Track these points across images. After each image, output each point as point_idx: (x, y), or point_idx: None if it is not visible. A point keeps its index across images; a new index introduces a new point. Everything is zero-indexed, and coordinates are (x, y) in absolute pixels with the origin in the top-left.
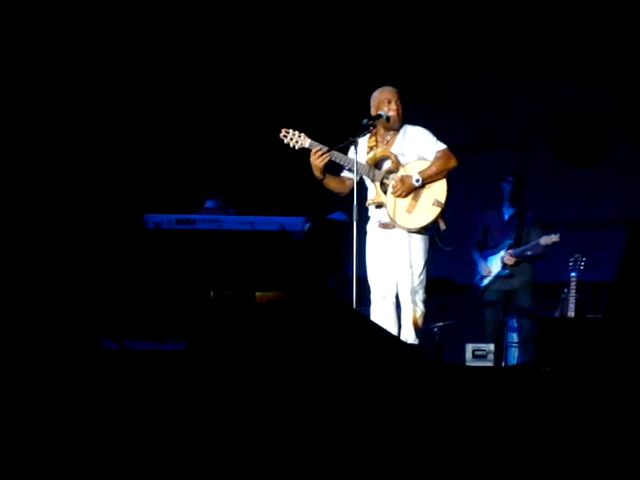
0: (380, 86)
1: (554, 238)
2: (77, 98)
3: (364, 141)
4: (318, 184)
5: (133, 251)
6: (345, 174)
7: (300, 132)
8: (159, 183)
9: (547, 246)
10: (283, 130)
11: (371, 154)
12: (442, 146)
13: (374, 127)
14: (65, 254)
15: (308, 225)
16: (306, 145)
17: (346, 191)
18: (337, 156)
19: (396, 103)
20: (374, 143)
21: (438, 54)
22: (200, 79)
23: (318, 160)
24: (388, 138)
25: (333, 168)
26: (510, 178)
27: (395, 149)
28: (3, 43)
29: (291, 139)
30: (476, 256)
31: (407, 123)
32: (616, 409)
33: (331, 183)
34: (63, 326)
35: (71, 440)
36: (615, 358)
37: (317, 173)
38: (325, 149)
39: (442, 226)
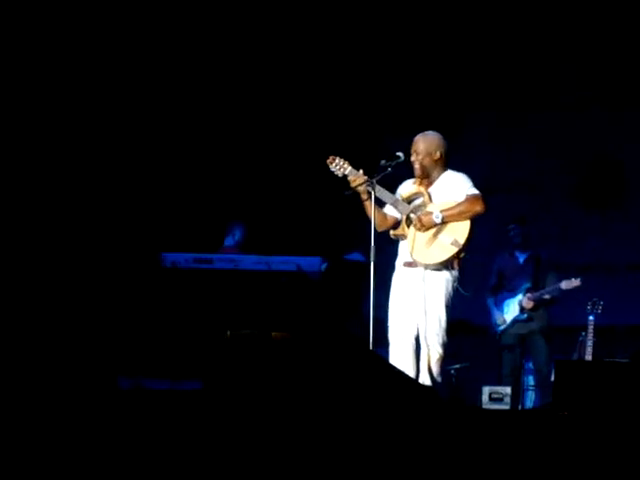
0: (399, 128)
1: (575, 282)
2: (93, 130)
3: (411, 180)
4: (335, 224)
5: (150, 290)
6: (387, 209)
7: (345, 160)
8: (178, 221)
9: (567, 290)
10: (330, 157)
11: (408, 190)
12: (474, 191)
13: (392, 168)
14: (83, 292)
15: (325, 265)
16: (347, 172)
17: (385, 226)
18: (371, 185)
19: (419, 152)
20: (419, 182)
21: (454, 94)
22: (220, 119)
23: (353, 183)
24: (428, 182)
25: (377, 202)
26: (512, 226)
27: (432, 189)
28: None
29: (336, 166)
30: (490, 303)
31: (452, 169)
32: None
33: (374, 212)
34: (80, 364)
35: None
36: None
37: (361, 196)
38: (363, 178)
39: (456, 267)
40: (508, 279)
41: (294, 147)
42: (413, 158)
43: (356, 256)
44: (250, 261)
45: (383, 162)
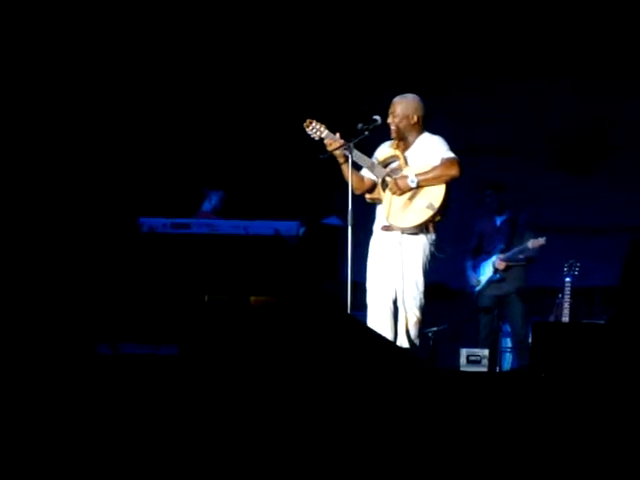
0: (382, 90)
1: (541, 241)
2: (70, 100)
3: (388, 142)
4: (312, 189)
5: (128, 255)
6: (364, 172)
7: (322, 124)
8: (155, 187)
9: (535, 249)
10: (307, 120)
11: (385, 153)
12: (450, 154)
13: (369, 132)
14: (59, 258)
15: (303, 230)
16: (323, 136)
17: (362, 189)
18: (348, 149)
19: (396, 114)
20: (395, 146)
21: (434, 58)
22: (195, 84)
23: (329, 147)
24: (405, 145)
25: (354, 165)
26: (488, 192)
27: (408, 153)
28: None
29: (312, 129)
30: (467, 265)
31: (429, 132)
32: (611, 415)
33: (351, 175)
34: (58, 330)
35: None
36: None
37: (338, 159)
38: (339, 142)
39: (431, 230)
40: (486, 242)
41: (271, 110)
42: (390, 120)
43: (333, 220)
44: (227, 226)
45: (360, 125)
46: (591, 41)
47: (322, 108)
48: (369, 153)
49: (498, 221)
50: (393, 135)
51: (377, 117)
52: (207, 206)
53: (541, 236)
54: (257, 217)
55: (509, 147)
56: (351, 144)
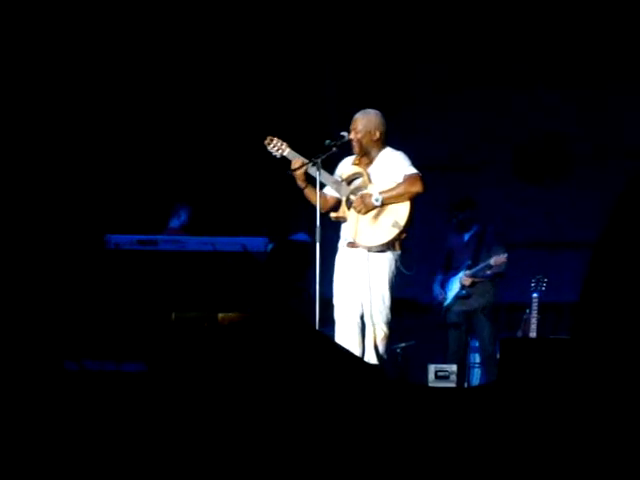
0: (347, 106)
1: (502, 258)
2: (33, 115)
3: (350, 158)
4: (280, 205)
5: (94, 272)
6: (326, 191)
7: (283, 141)
8: (122, 203)
9: (499, 266)
10: (268, 137)
11: (348, 170)
12: (412, 170)
13: (337, 148)
14: (24, 273)
15: (271, 246)
16: (285, 154)
17: (327, 207)
18: (313, 170)
19: (358, 132)
20: (357, 162)
21: (403, 71)
22: (161, 100)
23: (295, 171)
24: (367, 161)
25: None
26: (454, 212)
27: (371, 169)
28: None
29: (274, 147)
30: (436, 279)
31: (390, 147)
32: (578, 429)
33: (312, 196)
34: (25, 348)
35: (34, 458)
36: (579, 379)
37: (298, 182)
38: (300, 161)
39: (397, 249)
40: (455, 257)
41: (239, 127)
42: (352, 135)
43: (301, 236)
44: (195, 242)
45: (328, 142)
46: (553, 52)
47: (290, 124)
48: (330, 169)
49: (466, 237)
50: (355, 150)
51: (344, 133)
52: (175, 223)
53: (503, 252)
54: (225, 233)
55: (474, 162)
56: (319, 161)
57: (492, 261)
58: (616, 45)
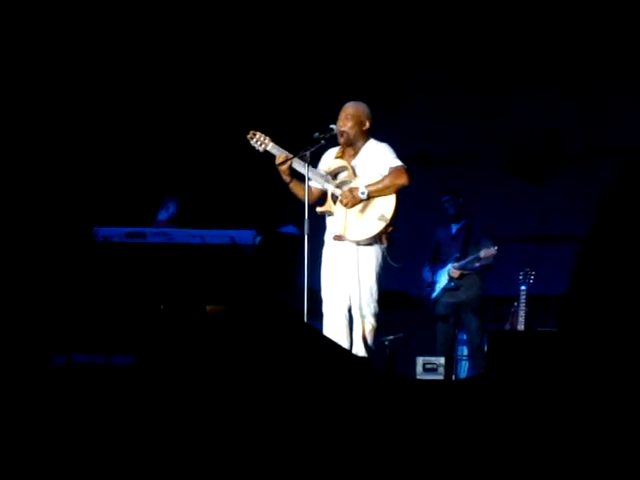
0: (338, 98)
1: (492, 250)
2: (23, 108)
3: (333, 151)
4: (269, 197)
5: (82, 264)
6: (312, 183)
7: (266, 136)
8: (110, 196)
9: (487, 258)
10: (251, 132)
11: (332, 163)
12: (397, 163)
13: (325, 140)
14: (11, 266)
15: (259, 238)
16: (268, 148)
17: (312, 200)
18: (297, 164)
19: (349, 120)
20: (340, 154)
21: (391, 65)
22: (150, 93)
23: (279, 165)
24: (353, 151)
25: (301, 175)
26: (445, 198)
27: (355, 161)
28: None
29: (257, 141)
30: (425, 269)
31: (374, 139)
32: (566, 422)
33: (298, 190)
34: (11, 339)
35: (21, 454)
36: (566, 372)
37: (283, 177)
38: (285, 155)
39: (384, 242)
40: (443, 250)
41: (226, 119)
42: (341, 125)
43: (290, 229)
44: (183, 235)
45: (317, 134)
46: (543, 52)
47: (280, 116)
48: (312, 163)
49: (454, 229)
50: (342, 141)
51: (333, 126)
52: (164, 215)
53: (493, 245)
54: (213, 226)
55: (463, 156)
56: (307, 153)
57: (482, 253)
58: (609, 44)
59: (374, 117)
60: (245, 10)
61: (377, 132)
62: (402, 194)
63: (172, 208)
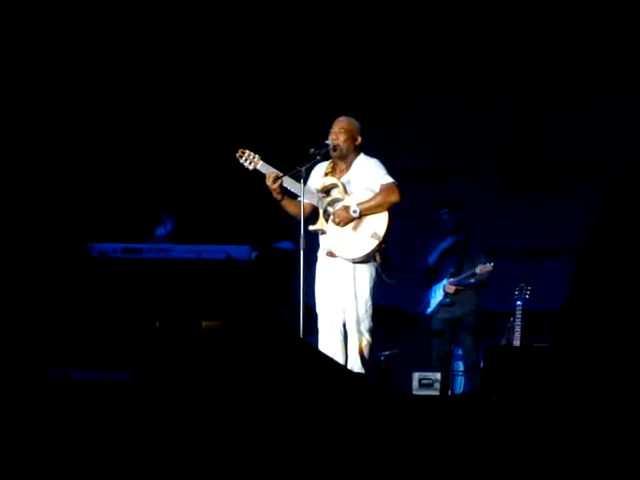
0: (334, 114)
1: (489, 267)
2: (24, 122)
3: (322, 167)
4: (264, 212)
5: (78, 280)
6: (301, 199)
7: (255, 154)
8: (106, 212)
9: (483, 275)
10: (240, 150)
11: (322, 181)
12: (388, 180)
13: (321, 156)
14: (7, 281)
15: (255, 254)
16: (257, 167)
17: (304, 216)
18: (287, 182)
19: (343, 134)
20: (330, 170)
21: (390, 80)
22: (145, 108)
23: (270, 184)
24: (343, 167)
25: (291, 192)
26: (444, 211)
27: (345, 178)
28: None
29: (246, 160)
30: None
31: (364, 154)
32: (560, 436)
33: (289, 206)
34: (9, 357)
35: (19, 465)
36: (561, 387)
37: (274, 195)
38: (275, 174)
39: (377, 260)
40: (441, 264)
41: (222, 135)
42: (334, 137)
43: (286, 244)
44: (179, 250)
45: (312, 150)
46: (539, 60)
47: (277, 133)
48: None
49: (448, 243)
50: (335, 155)
51: (329, 142)
52: (162, 231)
53: (489, 262)
54: (209, 242)
55: (458, 169)
56: (303, 169)
57: (478, 270)
58: (607, 51)
59: (364, 133)
60: (242, 26)
61: (373, 146)
62: (395, 210)
63: (170, 225)
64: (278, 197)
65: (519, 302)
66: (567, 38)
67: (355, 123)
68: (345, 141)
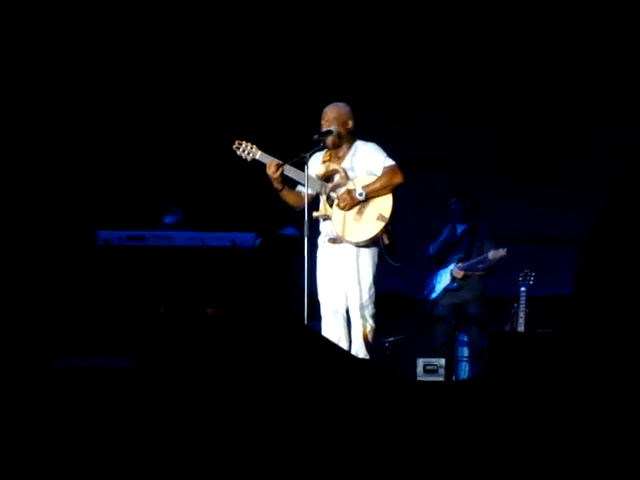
0: (333, 101)
1: (501, 252)
2: (24, 111)
3: (319, 155)
4: (269, 199)
5: (83, 267)
6: (300, 188)
7: (252, 144)
8: (112, 199)
9: (495, 260)
10: (236, 142)
11: (322, 168)
12: (390, 162)
13: (324, 143)
14: (13, 269)
15: (259, 241)
16: (257, 157)
17: (303, 205)
18: (289, 170)
19: (332, 122)
20: (328, 157)
21: (390, 69)
22: (151, 97)
23: (271, 173)
24: (340, 154)
25: (290, 182)
26: (452, 200)
27: (345, 164)
28: None
29: (243, 151)
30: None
31: (360, 139)
32: (566, 423)
33: (288, 196)
34: (12, 342)
35: (21, 456)
36: (567, 373)
37: (274, 185)
38: (276, 162)
39: (385, 241)
40: (447, 250)
41: (227, 122)
42: (325, 127)
43: (290, 231)
44: (184, 237)
45: (316, 137)
46: (542, 51)
47: (277, 123)
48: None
49: (459, 230)
50: (331, 142)
51: (332, 128)
52: (172, 219)
53: (502, 247)
54: (213, 228)
55: (461, 159)
56: (307, 155)
57: (490, 255)
58: (608, 45)
59: (356, 115)
60: (243, 19)
61: (377, 135)
62: (403, 195)
63: (180, 213)
64: (279, 187)
65: (523, 288)
66: (567, 34)
67: (344, 108)
68: (338, 128)
